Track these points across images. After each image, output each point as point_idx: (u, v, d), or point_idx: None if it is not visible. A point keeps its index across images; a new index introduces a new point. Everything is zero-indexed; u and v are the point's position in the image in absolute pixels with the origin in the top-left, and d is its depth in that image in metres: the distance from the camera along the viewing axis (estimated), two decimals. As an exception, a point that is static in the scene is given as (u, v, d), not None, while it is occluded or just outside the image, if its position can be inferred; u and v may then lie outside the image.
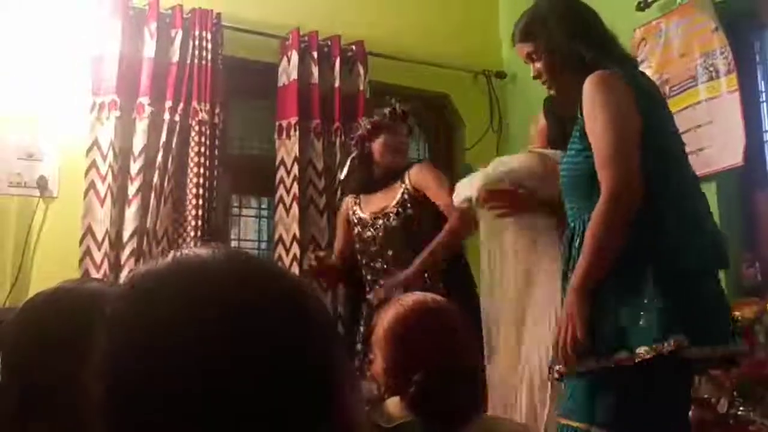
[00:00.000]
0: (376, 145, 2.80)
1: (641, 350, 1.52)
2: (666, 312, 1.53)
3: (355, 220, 2.81)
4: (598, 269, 1.60)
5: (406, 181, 2.72)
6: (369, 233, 2.74)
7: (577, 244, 1.70)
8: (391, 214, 2.70)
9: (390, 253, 2.69)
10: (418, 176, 2.71)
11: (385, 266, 2.70)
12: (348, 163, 2.91)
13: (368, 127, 2.84)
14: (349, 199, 2.92)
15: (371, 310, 2.55)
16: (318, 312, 0.58)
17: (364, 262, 2.77)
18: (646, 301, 1.56)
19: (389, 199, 2.73)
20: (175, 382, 0.49)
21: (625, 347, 1.56)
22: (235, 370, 0.50)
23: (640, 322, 1.55)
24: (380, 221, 2.71)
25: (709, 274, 1.68)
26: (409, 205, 2.68)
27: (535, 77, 1.93)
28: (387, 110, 2.84)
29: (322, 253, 2.85)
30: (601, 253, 1.60)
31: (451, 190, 2.46)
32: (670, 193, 1.66)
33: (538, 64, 1.90)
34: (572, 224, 1.77)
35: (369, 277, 2.76)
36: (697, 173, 2.59)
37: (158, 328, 0.51)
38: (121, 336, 0.53)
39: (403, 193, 2.70)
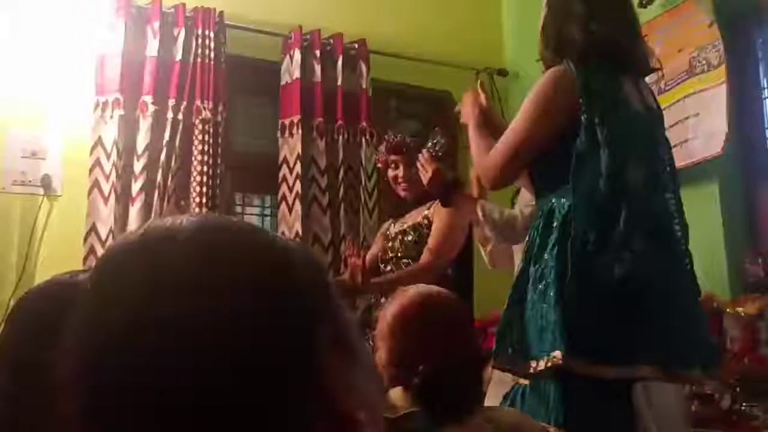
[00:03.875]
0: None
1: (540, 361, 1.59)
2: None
3: (387, 235, 2.91)
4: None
5: (430, 210, 2.77)
6: (390, 244, 2.85)
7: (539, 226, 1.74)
8: (409, 231, 2.79)
9: (404, 262, 2.78)
10: (435, 212, 2.74)
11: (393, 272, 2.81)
12: None
13: (377, 162, 2.98)
14: (391, 220, 3.02)
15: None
16: (306, 292, 0.52)
17: (381, 269, 2.87)
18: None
19: (415, 218, 2.82)
20: (129, 391, 0.46)
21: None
22: (191, 368, 0.45)
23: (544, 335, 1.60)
24: (400, 236, 2.82)
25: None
26: (425, 228, 2.76)
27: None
28: (384, 144, 2.87)
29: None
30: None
31: (446, 239, 2.66)
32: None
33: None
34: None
35: None
36: (681, 164, 2.59)
37: (116, 326, 0.47)
38: (82, 336, 0.50)
39: (423, 218, 2.78)
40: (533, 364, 1.62)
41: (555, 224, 1.68)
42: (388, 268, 2.83)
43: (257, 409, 0.46)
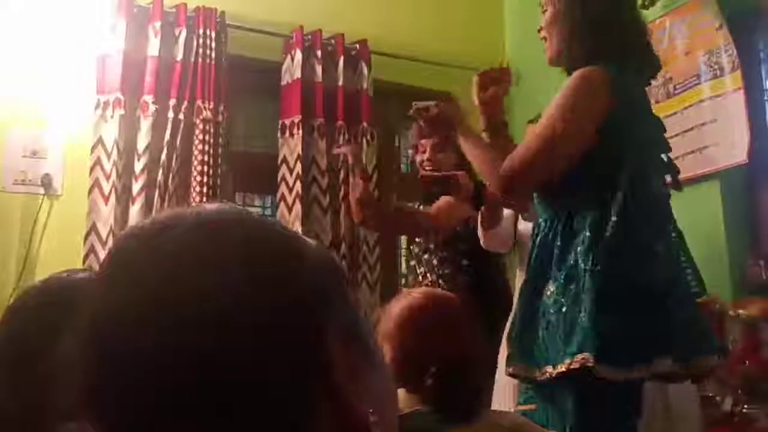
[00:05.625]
0: None
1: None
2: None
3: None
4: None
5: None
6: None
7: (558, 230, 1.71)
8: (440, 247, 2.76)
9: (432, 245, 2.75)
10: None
11: (424, 254, 2.77)
12: None
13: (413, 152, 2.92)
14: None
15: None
16: (319, 284, 0.50)
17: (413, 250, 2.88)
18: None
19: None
20: (129, 389, 0.45)
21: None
22: (193, 350, 0.45)
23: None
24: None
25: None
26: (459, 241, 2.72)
27: (539, 30, 1.86)
28: (414, 127, 2.82)
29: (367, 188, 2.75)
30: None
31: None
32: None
33: (548, 14, 1.83)
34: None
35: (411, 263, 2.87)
36: (701, 172, 2.60)
37: (130, 309, 0.47)
38: (96, 319, 0.49)
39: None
40: (549, 369, 1.58)
41: (578, 227, 1.64)
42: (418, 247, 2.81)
43: (261, 402, 0.46)
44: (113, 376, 0.46)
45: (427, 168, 2.67)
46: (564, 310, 1.58)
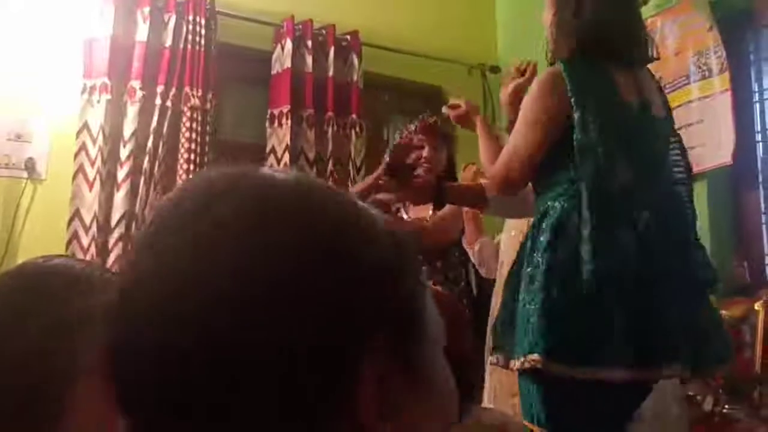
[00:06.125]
0: None
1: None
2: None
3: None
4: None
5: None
6: None
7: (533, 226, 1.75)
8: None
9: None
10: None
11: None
12: None
13: (401, 137, 2.87)
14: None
15: None
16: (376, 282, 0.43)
17: None
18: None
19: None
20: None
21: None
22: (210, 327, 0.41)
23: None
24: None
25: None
26: None
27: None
28: (417, 122, 2.82)
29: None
30: None
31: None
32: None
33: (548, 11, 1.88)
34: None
35: None
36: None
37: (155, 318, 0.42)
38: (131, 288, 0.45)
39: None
40: (512, 363, 1.63)
41: (545, 225, 1.68)
42: None
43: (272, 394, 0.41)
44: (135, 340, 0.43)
45: (424, 165, 2.68)
46: (526, 306, 1.62)
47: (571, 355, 1.55)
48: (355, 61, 3.55)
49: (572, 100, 1.69)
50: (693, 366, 1.63)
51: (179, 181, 3.05)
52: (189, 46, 3.14)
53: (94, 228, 2.89)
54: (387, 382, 0.43)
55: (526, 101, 1.78)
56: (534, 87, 1.79)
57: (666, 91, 2.89)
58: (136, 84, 3.04)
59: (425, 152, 2.72)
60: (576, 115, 1.68)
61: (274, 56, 3.42)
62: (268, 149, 3.35)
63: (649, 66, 1.89)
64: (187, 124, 3.10)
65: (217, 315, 0.41)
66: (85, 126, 2.96)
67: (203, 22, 3.18)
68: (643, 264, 1.61)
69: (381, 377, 0.43)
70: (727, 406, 2.35)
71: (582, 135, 1.67)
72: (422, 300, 0.48)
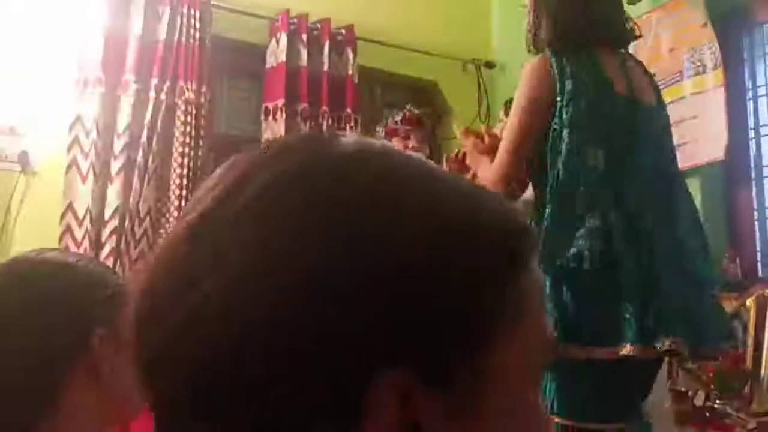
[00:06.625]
0: None
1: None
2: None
3: None
4: None
5: None
6: None
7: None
8: None
9: None
10: None
11: None
12: None
13: (381, 133, 2.87)
14: None
15: None
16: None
17: None
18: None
19: None
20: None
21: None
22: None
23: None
24: None
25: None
26: None
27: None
28: (399, 116, 2.84)
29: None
30: None
31: None
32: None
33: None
34: None
35: None
36: (681, 167, 2.58)
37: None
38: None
39: None
40: None
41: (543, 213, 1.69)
42: None
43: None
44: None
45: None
46: None
47: (586, 337, 1.57)
48: (350, 55, 3.55)
49: (558, 87, 1.70)
50: (692, 344, 1.62)
51: (173, 175, 3.04)
52: (183, 40, 3.13)
53: (88, 221, 2.88)
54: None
55: (517, 93, 1.79)
56: (523, 77, 1.79)
57: (660, 86, 2.91)
58: (130, 77, 3.02)
59: (411, 143, 2.75)
60: (557, 99, 1.69)
61: (269, 50, 3.41)
62: (262, 143, 3.34)
63: (644, 62, 1.90)
64: (182, 118, 3.09)
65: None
66: (79, 119, 2.94)
67: (198, 15, 3.16)
68: (630, 244, 1.62)
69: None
70: (718, 402, 2.36)
71: (558, 121, 1.68)
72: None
